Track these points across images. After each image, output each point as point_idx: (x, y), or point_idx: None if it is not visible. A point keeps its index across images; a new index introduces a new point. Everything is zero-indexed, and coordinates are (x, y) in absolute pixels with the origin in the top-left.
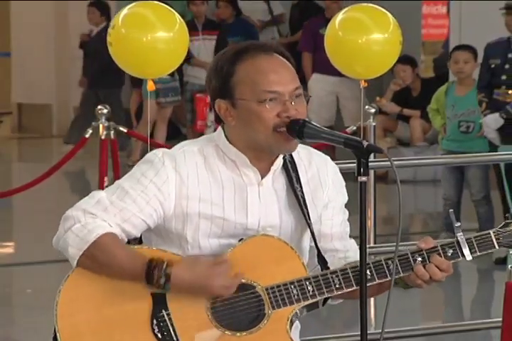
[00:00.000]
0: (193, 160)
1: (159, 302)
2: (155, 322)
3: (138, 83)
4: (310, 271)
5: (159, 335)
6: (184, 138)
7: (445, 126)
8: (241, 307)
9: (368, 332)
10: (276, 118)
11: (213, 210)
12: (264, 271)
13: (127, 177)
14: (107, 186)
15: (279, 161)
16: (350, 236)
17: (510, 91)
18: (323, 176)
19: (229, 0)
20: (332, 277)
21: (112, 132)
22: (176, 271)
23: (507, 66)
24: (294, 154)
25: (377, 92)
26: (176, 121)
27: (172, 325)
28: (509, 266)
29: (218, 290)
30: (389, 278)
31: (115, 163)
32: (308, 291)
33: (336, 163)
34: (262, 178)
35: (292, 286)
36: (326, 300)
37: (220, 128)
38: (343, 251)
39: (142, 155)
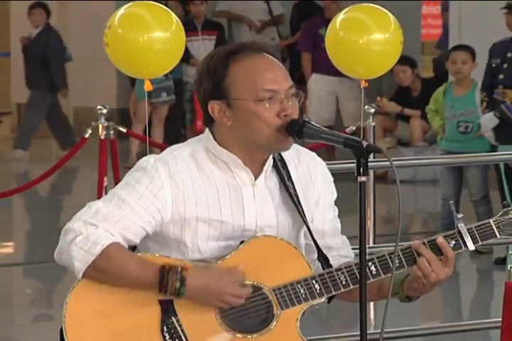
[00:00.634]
0: (185, 165)
1: (168, 309)
2: (165, 328)
3: None
4: None
5: None
6: (184, 138)
7: (444, 127)
8: (250, 309)
9: (368, 332)
10: (276, 117)
11: (211, 214)
12: (269, 272)
13: (121, 185)
14: (106, 186)
15: (270, 160)
16: (348, 237)
17: (507, 91)
18: (313, 172)
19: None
20: (338, 274)
21: (112, 132)
22: (191, 274)
23: (505, 65)
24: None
25: (376, 92)
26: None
27: (182, 330)
28: (508, 266)
29: (228, 299)
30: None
31: (115, 163)
32: (316, 290)
33: (336, 163)
34: (255, 179)
35: (299, 286)
36: (331, 297)
37: (207, 131)
38: (337, 248)
39: (140, 156)
